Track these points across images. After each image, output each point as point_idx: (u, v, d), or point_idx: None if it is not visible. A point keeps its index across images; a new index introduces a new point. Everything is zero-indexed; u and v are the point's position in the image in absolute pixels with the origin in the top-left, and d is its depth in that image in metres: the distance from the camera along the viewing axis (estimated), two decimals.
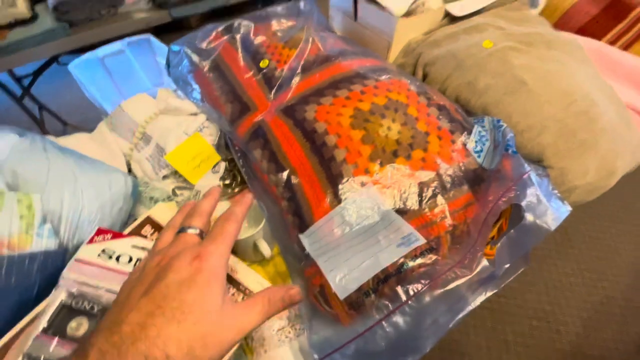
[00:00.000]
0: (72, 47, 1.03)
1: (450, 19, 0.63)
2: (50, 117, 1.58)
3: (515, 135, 0.47)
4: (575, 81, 0.51)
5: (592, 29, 0.79)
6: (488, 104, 0.50)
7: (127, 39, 1.16)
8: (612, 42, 0.77)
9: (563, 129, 0.46)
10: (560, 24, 0.82)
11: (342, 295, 0.33)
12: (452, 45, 0.56)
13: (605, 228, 1.25)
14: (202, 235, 0.26)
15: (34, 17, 0.99)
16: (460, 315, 0.34)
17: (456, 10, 0.61)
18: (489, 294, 0.38)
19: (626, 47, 0.76)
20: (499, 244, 0.32)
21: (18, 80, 1.27)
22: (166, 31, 1.65)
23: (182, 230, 0.26)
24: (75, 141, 0.55)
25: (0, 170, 0.32)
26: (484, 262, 0.30)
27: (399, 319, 0.33)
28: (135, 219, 0.42)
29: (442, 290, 0.31)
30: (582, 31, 0.79)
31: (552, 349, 0.97)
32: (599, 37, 0.78)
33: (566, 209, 0.32)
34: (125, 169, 0.51)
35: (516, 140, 0.47)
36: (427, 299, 0.33)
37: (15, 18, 0.95)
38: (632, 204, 1.30)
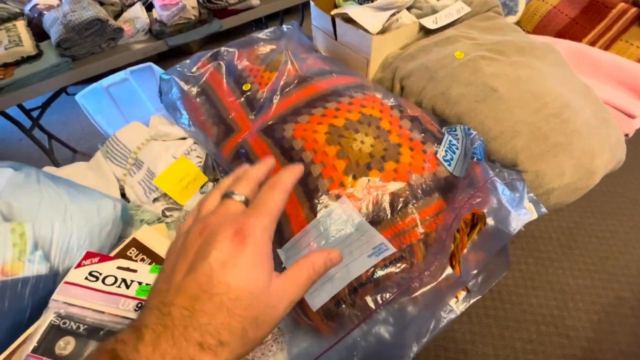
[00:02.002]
0: (76, 80, 1.09)
1: (425, 32, 0.65)
2: (60, 146, 1.65)
3: (489, 141, 0.49)
4: (546, 85, 0.52)
5: (572, 30, 0.80)
6: (462, 112, 0.51)
7: (130, 68, 1.23)
8: (593, 43, 0.78)
9: (535, 132, 0.47)
10: (540, 28, 0.83)
11: (314, 307, 0.34)
12: (425, 57, 0.58)
13: (612, 226, 1.22)
14: (247, 203, 0.24)
15: (39, 54, 1.06)
16: (444, 322, 0.35)
17: (429, 23, 0.63)
18: (472, 300, 0.39)
19: (607, 47, 0.77)
20: (464, 251, 0.33)
21: (27, 112, 1.34)
22: (169, 57, 1.73)
23: (227, 195, 0.24)
24: (73, 170, 0.59)
25: None
26: (449, 270, 0.31)
27: (378, 327, 0.34)
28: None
29: (410, 297, 0.32)
30: (562, 33, 0.81)
31: (562, 355, 0.95)
32: (579, 38, 0.79)
33: (529, 214, 0.33)
34: (119, 194, 0.54)
35: (490, 146, 0.48)
36: (403, 306, 0.34)
37: (22, 56, 1.01)
38: (638, 200, 1.28)
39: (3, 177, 0.37)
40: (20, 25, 1.12)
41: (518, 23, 0.85)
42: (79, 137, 1.82)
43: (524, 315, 1.02)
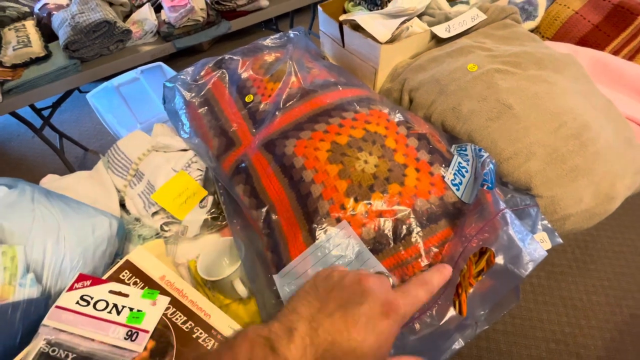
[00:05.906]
0: (85, 82, 1.10)
1: (437, 40, 0.62)
2: (71, 144, 1.67)
3: (501, 162, 0.46)
4: (566, 102, 0.49)
5: (594, 38, 0.76)
6: (473, 130, 0.48)
7: (141, 68, 1.23)
8: (616, 52, 0.74)
9: (552, 154, 0.44)
10: (561, 34, 0.79)
11: None
12: (436, 69, 0.55)
13: (630, 241, 1.17)
14: (392, 285, 0.29)
15: (47, 55, 1.06)
16: (448, 354, 0.33)
17: (442, 32, 0.60)
18: (478, 330, 0.37)
19: (631, 57, 0.73)
20: (470, 290, 0.31)
21: (38, 112, 1.35)
22: (180, 55, 1.72)
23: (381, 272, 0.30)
24: (75, 180, 0.58)
25: None
26: (452, 312, 0.29)
27: None
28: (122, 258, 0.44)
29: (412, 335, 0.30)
30: (583, 41, 0.77)
31: None
32: (601, 46, 0.75)
33: (542, 253, 0.30)
34: (118, 207, 0.53)
35: (502, 168, 0.46)
36: (403, 339, 0.32)
37: (30, 57, 1.02)
38: None
39: None
40: (30, 25, 1.12)
41: (537, 29, 0.81)
42: (90, 135, 1.83)
43: (533, 332, 0.99)
